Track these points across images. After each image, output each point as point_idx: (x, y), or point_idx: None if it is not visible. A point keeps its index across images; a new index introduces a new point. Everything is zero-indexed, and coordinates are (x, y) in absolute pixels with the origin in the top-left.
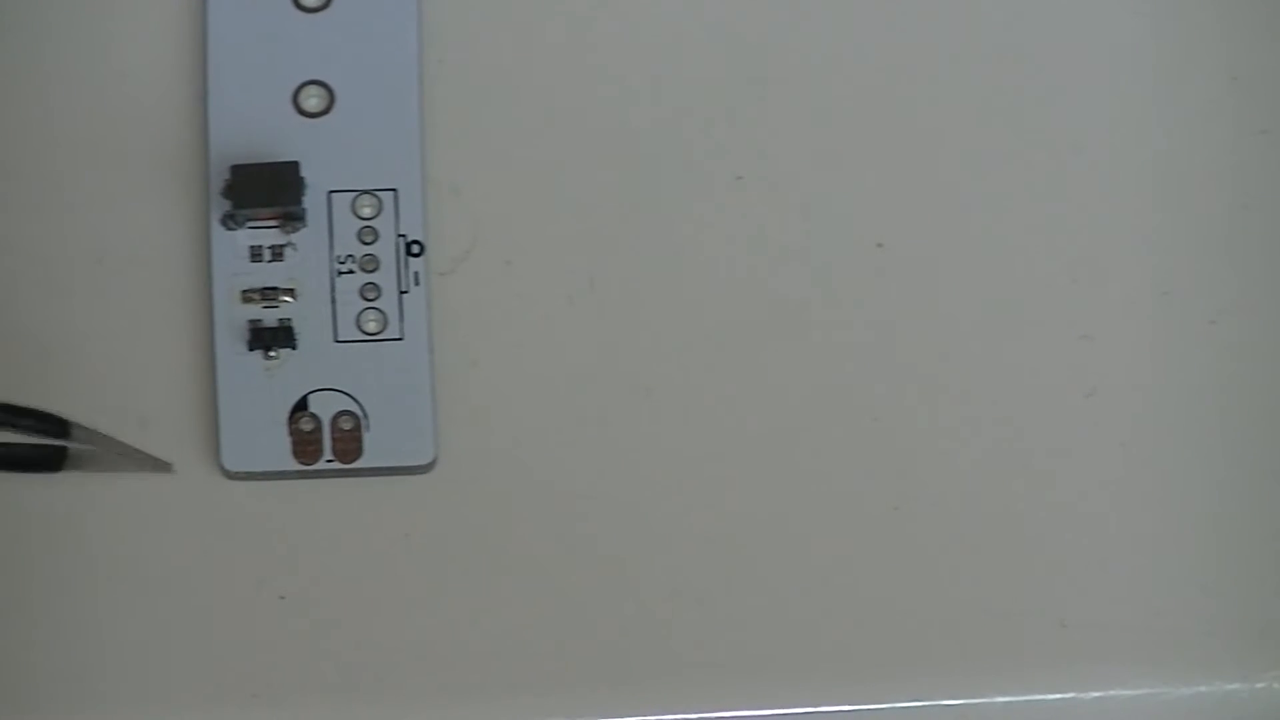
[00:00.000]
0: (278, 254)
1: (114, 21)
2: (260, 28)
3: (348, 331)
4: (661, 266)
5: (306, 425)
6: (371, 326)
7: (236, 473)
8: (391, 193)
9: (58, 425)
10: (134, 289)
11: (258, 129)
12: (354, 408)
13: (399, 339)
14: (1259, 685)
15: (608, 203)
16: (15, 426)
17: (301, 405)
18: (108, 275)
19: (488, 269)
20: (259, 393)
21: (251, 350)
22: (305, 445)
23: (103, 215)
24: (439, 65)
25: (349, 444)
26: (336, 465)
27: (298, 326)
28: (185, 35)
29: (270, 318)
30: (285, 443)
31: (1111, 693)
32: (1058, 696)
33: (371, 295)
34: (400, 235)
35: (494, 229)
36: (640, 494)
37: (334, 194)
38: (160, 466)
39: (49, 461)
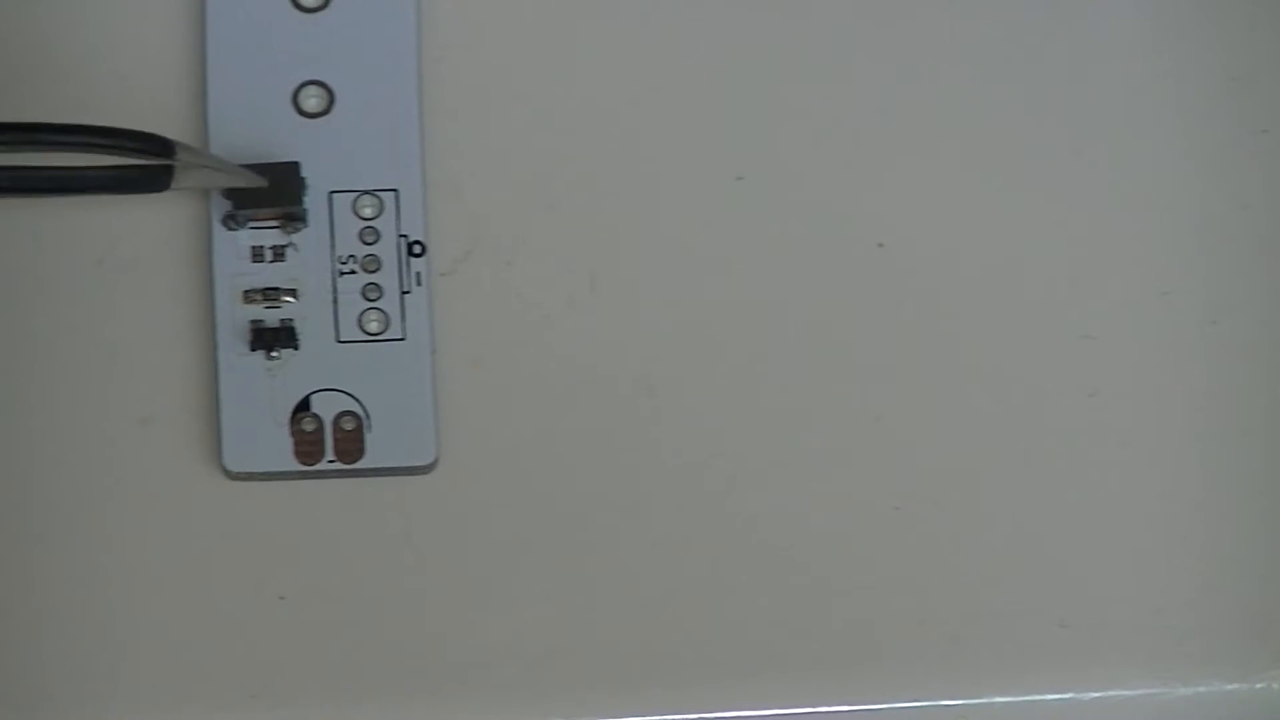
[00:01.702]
0: (279, 254)
1: (114, 23)
2: (259, 28)
3: (350, 332)
4: (662, 267)
5: (308, 425)
6: (373, 327)
7: (238, 473)
8: (392, 193)
9: (162, 145)
10: (135, 289)
11: (258, 129)
12: (356, 408)
13: (401, 339)
14: (1258, 685)
15: (608, 203)
16: (122, 149)
17: (303, 405)
18: (109, 276)
19: (489, 269)
20: (261, 393)
21: (253, 350)
22: (307, 445)
23: (104, 216)
24: (440, 65)
25: (351, 444)
26: (338, 465)
27: (299, 327)
28: (184, 36)
29: (272, 318)
30: (287, 443)
31: (1111, 693)
32: (1058, 696)
33: (373, 295)
34: (401, 235)
35: (495, 229)
36: (641, 494)
37: (335, 194)
38: (253, 180)
39: (156, 181)
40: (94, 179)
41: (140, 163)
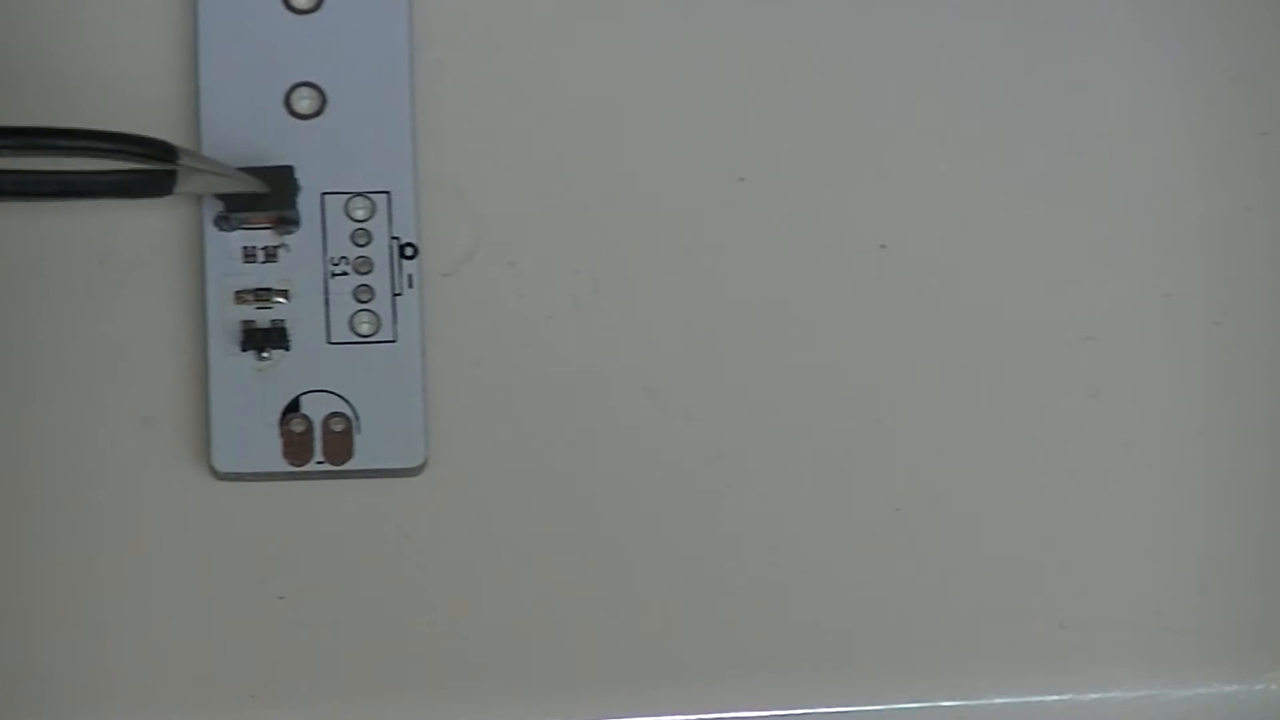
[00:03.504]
0: (271, 255)
1: (106, 24)
2: (251, 30)
3: (341, 333)
4: (665, 268)
5: (298, 427)
6: (365, 328)
7: (227, 474)
8: (385, 195)
9: (165, 150)
10: (130, 290)
11: (250, 131)
12: (345, 409)
13: (392, 341)
14: (1258, 686)
15: (611, 205)
16: (126, 154)
17: (293, 406)
18: (106, 276)
19: (491, 270)
20: (251, 393)
21: (244, 351)
22: (296, 446)
23: (97, 217)
24: (439, 66)
25: (339, 446)
26: (327, 467)
27: (291, 327)
28: (176, 38)
29: (263, 318)
30: (276, 444)
31: (1111, 693)
32: (1057, 697)
33: (365, 297)
34: (394, 238)
35: (498, 230)
36: (640, 496)
37: (327, 196)
38: (255, 185)
39: (159, 186)
40: (98, 183)
41: (143, 167)
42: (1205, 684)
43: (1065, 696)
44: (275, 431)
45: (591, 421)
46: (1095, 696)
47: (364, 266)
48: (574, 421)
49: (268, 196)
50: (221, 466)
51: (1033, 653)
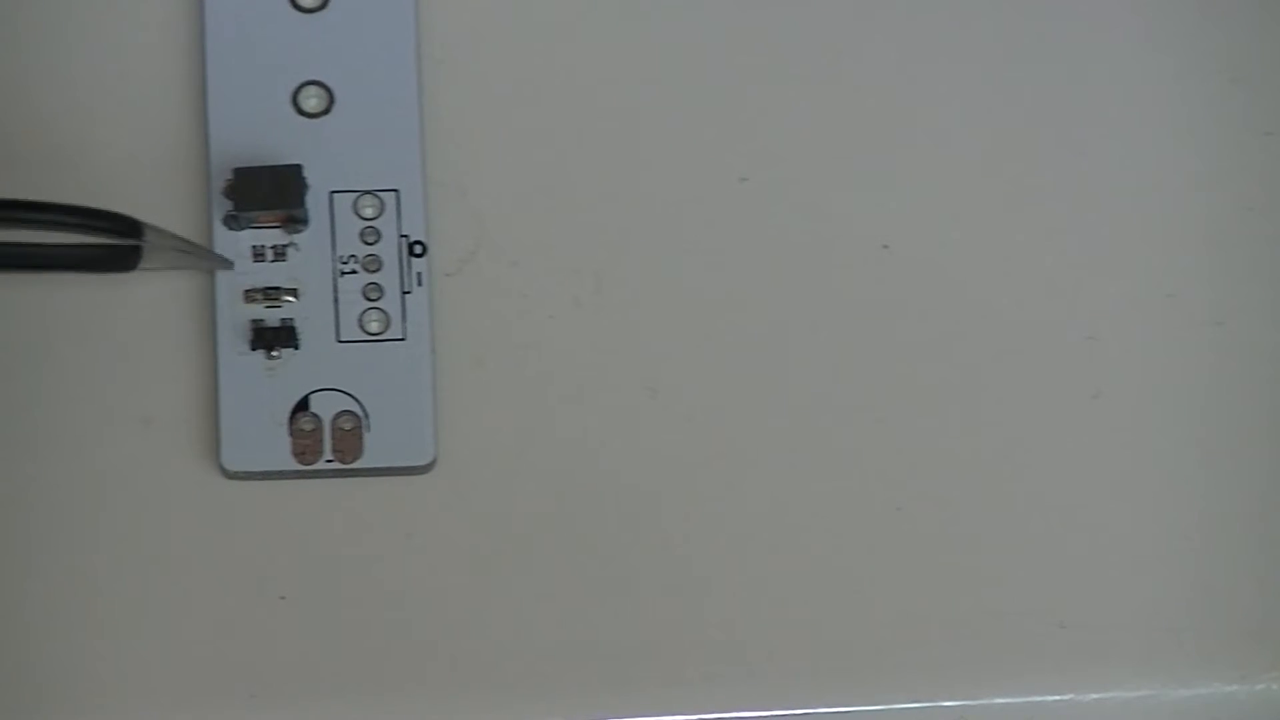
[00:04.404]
0: (280, 254)
1: (113, 24)
2: (258, 29)
3: (350, 331)
4: (666, 268)
5: (307, 425)
6: (374, 327)
7: (236, 472)
8: (393, 193)
9: (130, 225)
10: (137, 288)
11: (258, 130)
12: (355, 408)
13: (401, 339)
14: (1258, 687)
15: (613, 204)
16: (91, 228)
17: (303, 405)
18: (111, 274)
19: (493, 270)
20: (260, 392)
21: (254, 350)
22: (305, 445)
23: None
24: (442, 65)
25: (349, 444)
26: (336, 465)
27: (300, 326)
28: (183, 37)
29: (273, 317)
30: (285, 442)
31: (1111, 693)
32: (1057, 697)
33: (374, 295)
34: (402, 236)
35: (499, 230)
36: (643, 495)
37: (336, 194)
38: (224, 264)
39: (122, 261)
40: (62, 256)
41: (108, 242)
42: (1205, 684)
43: (1065, 696)
44: (285, 430)
45: (593, 421)
46: (1095, 696)
47: (373, 265)
48: (576, 421)
49: (276, 196)
50: (231, 465)
51: (1033, 653)
